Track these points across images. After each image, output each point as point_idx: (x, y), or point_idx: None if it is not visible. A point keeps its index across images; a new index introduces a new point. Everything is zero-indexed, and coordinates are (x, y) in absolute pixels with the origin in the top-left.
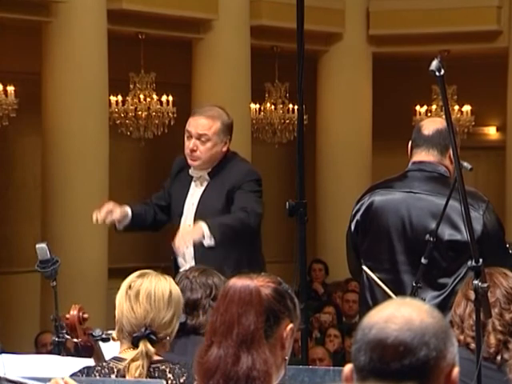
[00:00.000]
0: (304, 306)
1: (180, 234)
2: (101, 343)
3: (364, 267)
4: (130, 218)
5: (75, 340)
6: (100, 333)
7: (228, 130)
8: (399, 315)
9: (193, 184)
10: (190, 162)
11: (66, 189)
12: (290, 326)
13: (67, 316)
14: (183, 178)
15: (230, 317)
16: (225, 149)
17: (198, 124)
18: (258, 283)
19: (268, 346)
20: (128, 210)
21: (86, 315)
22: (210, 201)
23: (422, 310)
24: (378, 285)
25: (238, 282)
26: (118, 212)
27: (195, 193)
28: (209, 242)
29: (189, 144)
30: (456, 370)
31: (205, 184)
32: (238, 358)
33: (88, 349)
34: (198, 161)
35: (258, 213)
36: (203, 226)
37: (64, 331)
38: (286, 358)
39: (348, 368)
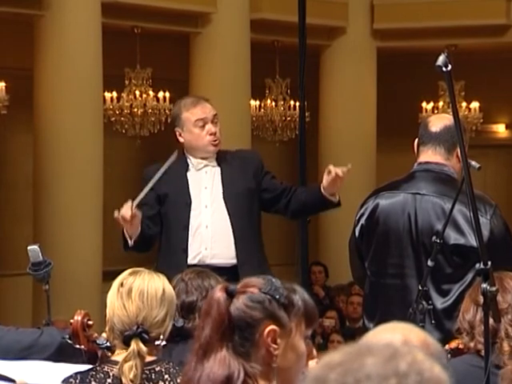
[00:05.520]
0: None
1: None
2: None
3: None
4: (139, 231)
5: (78, 346)
6: (104, 341)
7: None
8: (414, 339)
9: (194, 174)
10: (212, 148)
11: (58, 189)
12: (270, 327)
13: (71, 321)
14: (173, 175)
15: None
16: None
17: (208, 108)
18: (237, 290)
19: (240, 353)
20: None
21: (90, 322)
22: (234, 180)
23: (423, 334)
24: None
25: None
26: (136, 222)
27: (203, 179)
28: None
29: (207, 130)
30: None
31: (214, 170)
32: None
33: (93, 356)
34: (219, 143)
35: None
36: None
37: (67, 336)
38: (274, 365)
39: None
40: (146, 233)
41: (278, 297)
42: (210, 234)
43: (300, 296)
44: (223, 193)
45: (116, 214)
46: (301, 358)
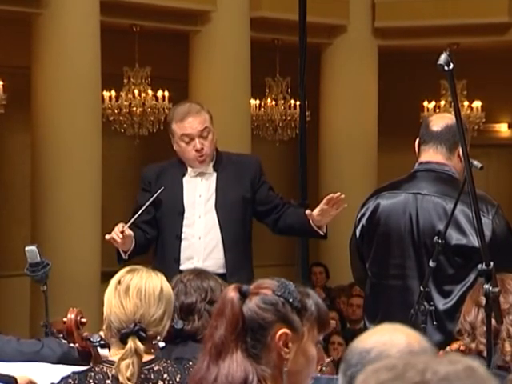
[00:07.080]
0: None
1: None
2: (99, 349)
3: None
4: (133, 244)
5: (72, 345)
6: (98, 338)
7: (211, 117)
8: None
9: (189, 181)
10: (197, 164)
11: (56, 189)
12: (282, 331)
13: (64, 320)
14: (169, 180)
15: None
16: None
17: (194, 123)
18: (250, 291)
19: (252, 355)
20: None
21: (84, 320)
22: (229, 189)
23: (415, 335)
24: None
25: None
26: (128, 241)
27: (198, 186)
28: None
29: (193, 146)
30: None
31: (210, 177)
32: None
33: (86, 354)
34: (207, 158)
35: None
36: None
37: (61, 335)
38: (285, 368)
39: None
40: (141, 241)
41: (291, 300)
42: (203, 246)
43: (313, 301)
44: (216, 203)
45: (107, 236)
46: (311, 363)
